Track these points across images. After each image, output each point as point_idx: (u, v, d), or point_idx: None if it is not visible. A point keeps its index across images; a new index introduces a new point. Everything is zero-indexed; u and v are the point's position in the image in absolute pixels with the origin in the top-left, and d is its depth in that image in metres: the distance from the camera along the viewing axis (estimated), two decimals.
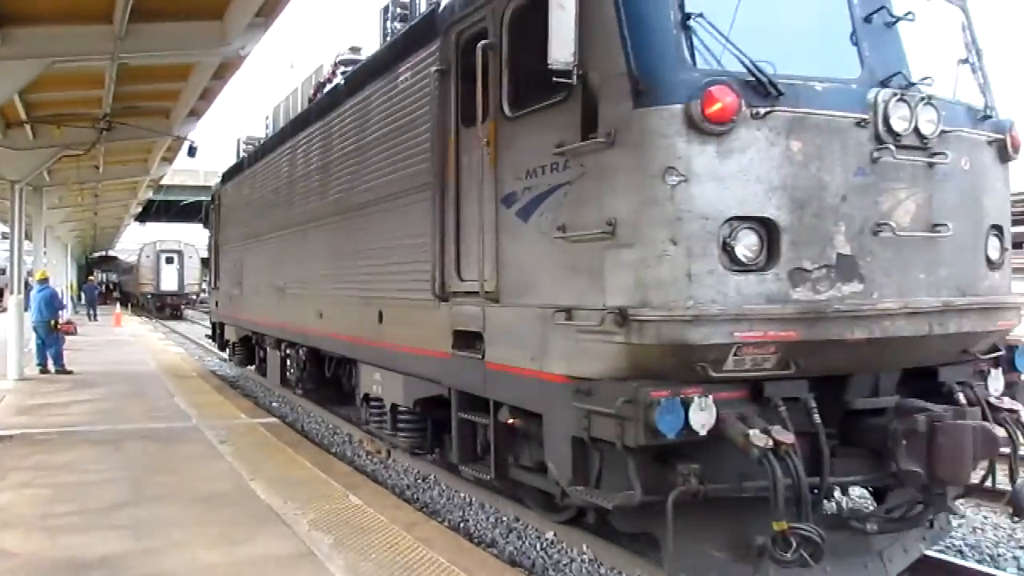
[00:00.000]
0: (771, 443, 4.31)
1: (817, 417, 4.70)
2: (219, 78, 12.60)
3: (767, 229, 4.61)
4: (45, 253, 25.55)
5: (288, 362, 12.32)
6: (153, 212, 48.16)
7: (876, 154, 4.75)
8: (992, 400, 5.25)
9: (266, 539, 5.62)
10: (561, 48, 4.66)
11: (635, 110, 4.64)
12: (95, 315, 35.70)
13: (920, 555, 5.51)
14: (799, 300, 4.61)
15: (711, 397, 4.42)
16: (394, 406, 7.92)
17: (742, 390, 4.65)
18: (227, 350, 17.75)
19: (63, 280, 30.90)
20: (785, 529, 4.31)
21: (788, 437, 4.38)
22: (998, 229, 5.46)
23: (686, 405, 4.36)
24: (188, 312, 47.22)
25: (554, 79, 4.78)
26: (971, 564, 5.97)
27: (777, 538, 4.34)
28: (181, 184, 43.49)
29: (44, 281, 15.82)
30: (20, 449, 8.59)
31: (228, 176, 16.55)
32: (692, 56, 4.69)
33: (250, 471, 7.60)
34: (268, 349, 13.37)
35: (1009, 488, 5.22)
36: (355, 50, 10.46)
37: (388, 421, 8.09)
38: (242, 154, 15.59)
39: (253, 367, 15.68)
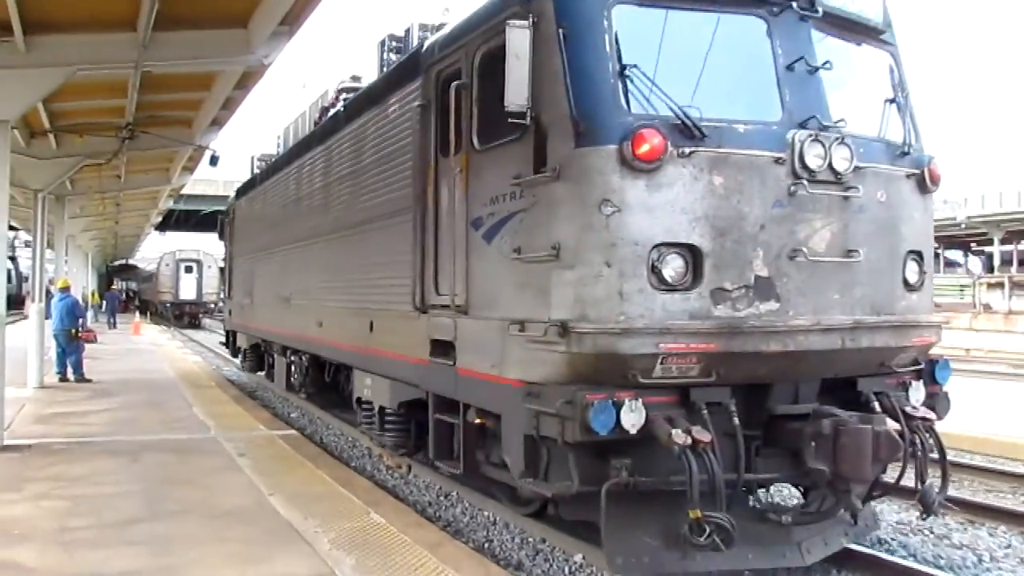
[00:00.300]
0: (690, 441, 4.91)
1: (736, 420, 5.25)
2: (242, 88, 12.56)
3: (692, 254, 5.21)
4: (66, 262, 25.65)
5: (292, 368, 13.23)
6: (173, 222, 48.47)
7: (793, 188, 5.35)
8: (907, 409, 5.81)
9: (286, 558, 5.47)
10: (516, 93, 5.30)
11: (576, 149, 5.26)
12: (115, 323, 35.88)
13: (841, 547, 6.07)
14: (719, 316, 5.20)
15: (641, 400, 5.02)
16: (382, 408, 8.51)
17: (671, 395, 5.23)
18: (239, 357, 18.69)
19: (84, 288, 31.02)
20: (699, 517, 4.90)
21: (706, 436, 4.96)
22: (917, 255, 6.07)
23: (618, 407, 4.96)
24: (206, 321, 47.39)
25: (510, 120, 5.44)
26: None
27: (693, 525, 4.93)
28: (201, 194, 43.65)
29: (65, 289, 15.81)
30: (38, 459, 8.50)
31: (242, 191, 17.52)
32: (627, 102, 5.32)
33: (269, 485, 7.46)
34: (275, 356, 14.22)
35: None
36: (356, 79, 11.12)
37: (376, 422, 8.70)
38: (255, 170, 16.45)
39: (263, 373, 16.44)
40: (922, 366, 6.22)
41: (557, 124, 5.41)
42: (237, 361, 19.80)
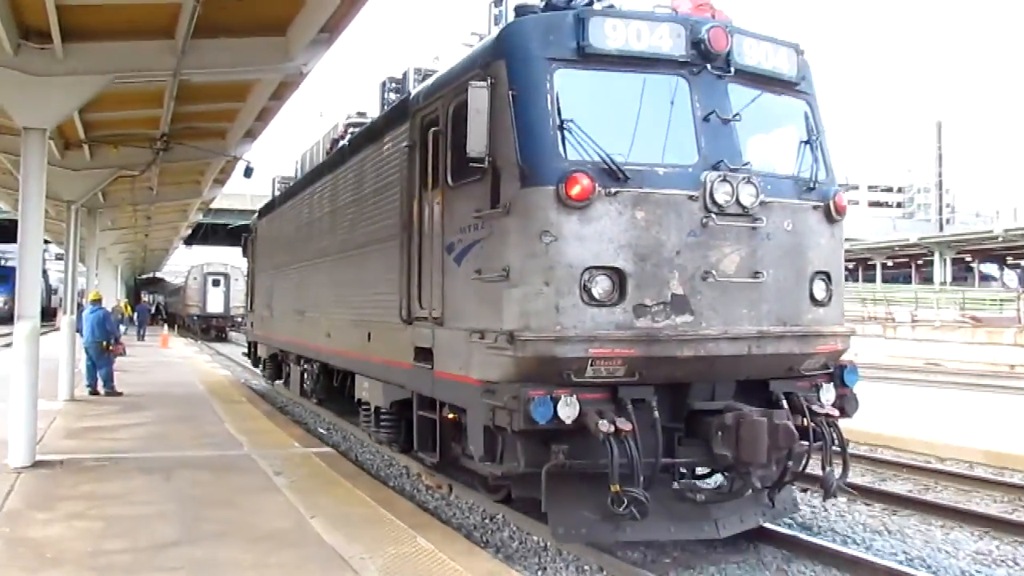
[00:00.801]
0: (613, 429, 5.82)
1: (656, 414, 6.14)
2: (277, 98, 12.39)
3: (617, 275, 6.18)
4: (97, 275, 25.69)
5: (305, 375, 14.64)
6: (200, 235, 48.67)
7: (704, 220, 6.32)
8: (814, 407, 6.75)
9: None
10: (476, 142, 6.30)
11: (522, 189, 6.26)
12: (143, 335, 35.96)
13: (756, 525, 7.03)
14: (640, 327, 6.17)
15: (576, 396, 5.93)
16: (377, 408, 9.78)
17: (602, 392, 6.14)
18: (259, 366, 20.19)
19: (118, 300, 31.07)
20: (618, 491, 5.82)
21: (627, 426, 5.87)
22: (824, 274, 7.04)
23: (555, 401, 5.86)
24: (232, 334, 47.43)
25: (471, 163, 6.42)
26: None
27: (614, 498, 5.84)
28: (229, 208, 43.85)
29: (97, 302, 15.69)
30: (70, 477, 8.27)
31: (263, 212, 19.05)
32: (564, 150, 6.25)
33: (309, 507, 7.17)
34: (291, 364, 15.73)
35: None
36: (361, 114, 12.13)
37: (373, 420, 10.00)
38: (276, 192, 17.77)
39: (280, 381, 17.72)
40: (831, 370, 7.20)
41: (507, 168, 6.41)
42: (258, 370, 21.06)
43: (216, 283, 46.95)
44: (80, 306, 17.94)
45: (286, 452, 9.99)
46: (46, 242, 41.96)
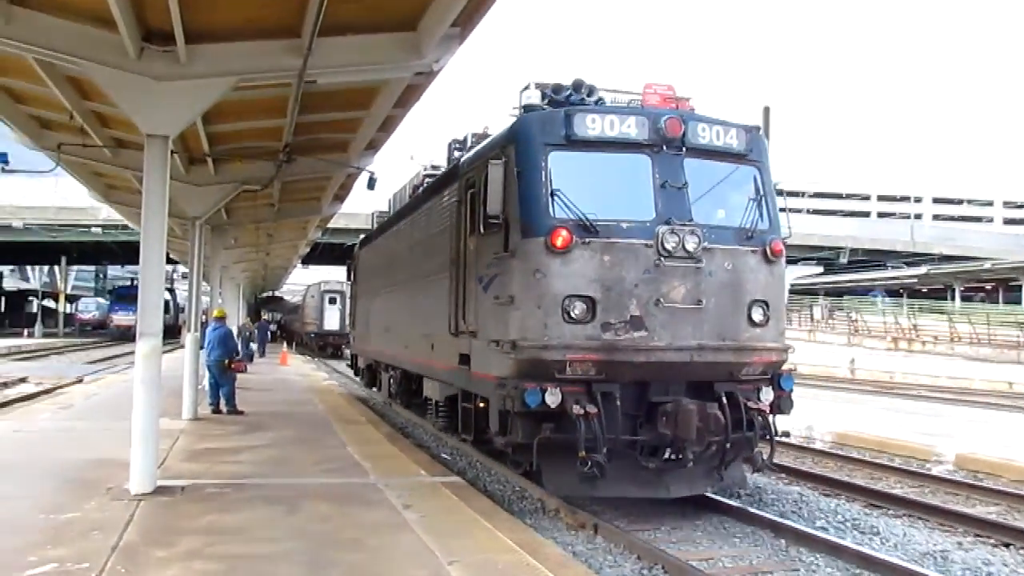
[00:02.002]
0: (583, 412, 7.96)
1: (619, 403, 8.30)
2: (401, 106, 11.78)
3: (590, 301, 8.30)
4: (220, 293, 26.06)
5: (391, 381, 17.48)
6: (317, 254, 49.43)
7: (657, 262, 8.40)
8: (749, 403, 8.68)
9: None
10: (494, 204, 8.56)
11: (522, 239, 8.49)
12: (264, 352, 36.58)
13: (701, 493, 9.25)
14: (605, 339, 8.28)
15: (559, 388, 8.09)
16: (436, 402, 12.77)
17: (579, 387, 8.23)
18: (360, 375, 23.30)
19: (246, 320, 31.56)
20: (583, 456, 7.90)
21: (593, 410, 8.00)
22: (763, 302, 8.93)
23: (543, 391, 8.05)
24: (348, 351, 47.80)
25: (489, 220, 8.79)
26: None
27: (581, 460, 7.92)
28: (344, 227, 44.17)
29: (220, 319, 15.52)
30: (190, 505, 7.72)
31: (363, 243, 22.53)
32: (552, 211, 8.42)
33: (446, 550, 6.34)
34: (382, 372, 18.73)
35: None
36: (435, 167, 14.76)
37: (434, 412, 13.19)
38: (374, 224, 21.23)
39: (376, 388, 20.64)
40: (769, 376, 9.14)
41: (514, 223, 8.68)
42: (359, 379, 24.08)
43: (332, 301, 47.45)
44: (204, 324, 17.95)
45: (413, 481, 9.25)
46: (173, 261, 43.54)
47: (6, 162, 16.22)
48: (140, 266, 7.91)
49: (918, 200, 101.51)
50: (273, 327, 59.97)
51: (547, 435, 8.19)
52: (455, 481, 9.40)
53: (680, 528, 8.85)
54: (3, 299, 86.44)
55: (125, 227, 36.98)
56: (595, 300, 8.33)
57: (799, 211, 76.98)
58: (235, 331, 16.09)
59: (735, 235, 8.94)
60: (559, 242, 8.27)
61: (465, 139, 12.21)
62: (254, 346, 28.30)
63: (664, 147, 8.82)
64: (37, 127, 12.83)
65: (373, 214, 21.71)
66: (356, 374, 24.05)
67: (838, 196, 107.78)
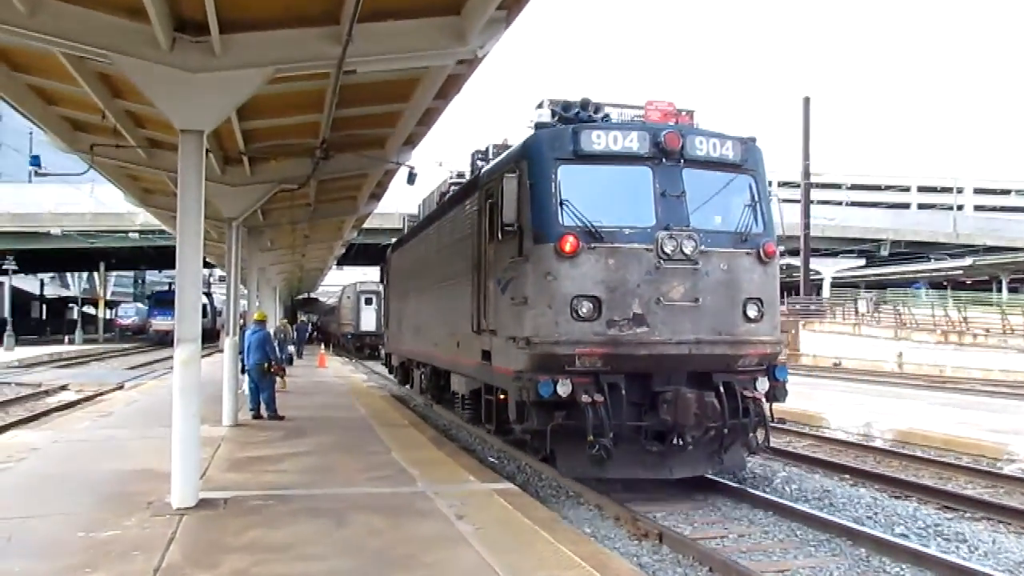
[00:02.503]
0: (590, 400, 8.82)
1: (624, 392, 9.09)
2: (442, 97, 11.35)
3: (596, 301, 9.15)
4: (258, 296, 25.85)
5: (422, 377, 18.65)
6: (352, 255, 49.24)
7: (657, 264, 9.26)
8: (745, 392, 9.47)
9: None
10: (508, 213, 9.53)
11: (535, 245, 9.36)
12: (301, 354, 36.46)
13: (704, 474, 9.99)
14: (611, 334, 9.13)
15: (569, 379, 8.90)
16: (462, 396, 13.88)
17: (588, 378, 9.02)
18: (393, 373, 24.83)
19: (284, 323, 31.35)
20: (591, 440, 8.75)
21: (600, 399, 8.83)
22: (757, 299, 9.73)
23: (555, 382, 8.88)
24: (383, 351, 47.53)
25: (503, 230, 9.70)
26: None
27: (590, 444, 8.75)
28: (378, 227, 43.86)
29: (260, 323, 15.20)
30: (235, 520, 7.33)
31: (394, 247, 23.62)
32: (562, 219, 9.26)
33: (507, 568, 5.87)
34: (414, 370, 19.92)
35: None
36: (460, 175, 15.76)
37: (460, 405, 14.33)
38: (405, 228, 22.37)
39: (408, 386, 21.70)
40: (764, 367, 9.85)
41: (527, 231, 9.47)
42: (393, 377, 25.65)
43: (369, 302, 47.17)
44: (242, 327, 17.65)
45: (464, 489, 8.79)
46: (210, 265, 43.50)
47: (39, 165, 15.92)
48: (176, 268, 7.52)
49: (959, 191, 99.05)
50: (309, 329, 59.85)
51: (559, 422, 9.06)
52: (508, 488, 8.93)
53: (748, 536, 8.34)
54: (44, 306, 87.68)
55: (162, 232, 36.99)
56: (601, 300, 9.21)
57: (838, 203, 75.70)
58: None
59: (730, 238, 9.75)
60: (567, 248, 9.15)
61: (487, 150, 13.06)
62: (291, 349, 28.06)
63: (663, 159, 9.66)
64: (70, 129, 12.58)
65: (404, 216, 22.87)
66: (390, 372, 25.76)
67: (877, 188, 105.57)
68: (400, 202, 32.29)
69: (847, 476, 11.62)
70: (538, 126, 10.33)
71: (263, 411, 14.62)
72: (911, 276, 62.84)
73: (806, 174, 48.41)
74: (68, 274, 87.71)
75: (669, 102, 10.72)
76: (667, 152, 9.61)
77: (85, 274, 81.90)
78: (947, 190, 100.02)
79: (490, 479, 9.49)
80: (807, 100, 49.26)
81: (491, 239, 10.68)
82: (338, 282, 70.38)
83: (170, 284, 78.89)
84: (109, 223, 52.48)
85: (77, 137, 12.67)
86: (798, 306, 49.30)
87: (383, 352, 28.18)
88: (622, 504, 9.15)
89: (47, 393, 22.94)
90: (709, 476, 10.23)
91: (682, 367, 9.38)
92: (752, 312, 9.70)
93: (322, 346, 45.68)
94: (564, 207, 9.32)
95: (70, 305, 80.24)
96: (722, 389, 9.33)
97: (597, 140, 9.57)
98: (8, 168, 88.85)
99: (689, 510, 9.39)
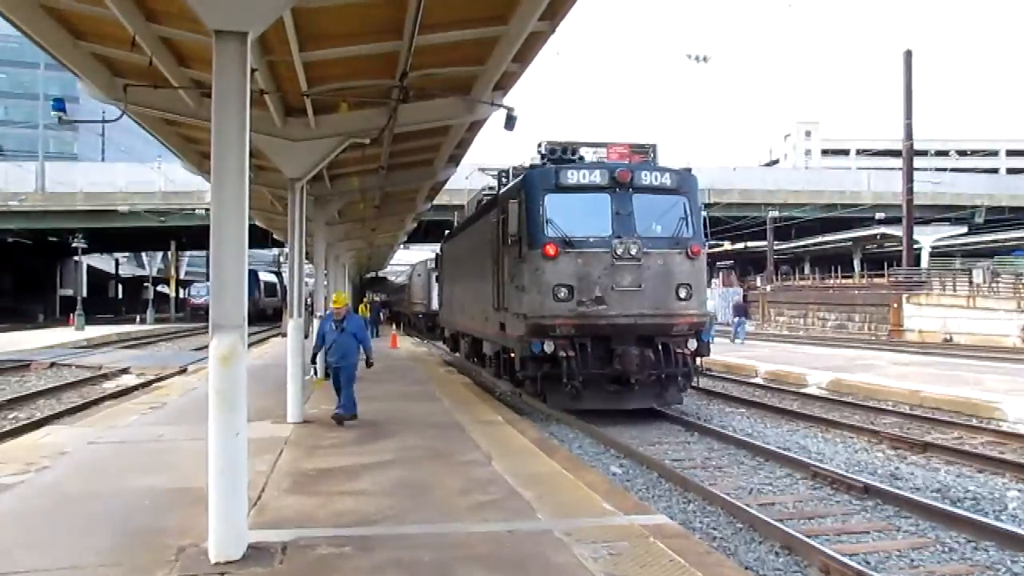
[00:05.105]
0: (566, 355, 13.18)
1: (590, 350, 13.33)
2: (548, 18, 9.01)
3: (570, 288, 13.47)
4: (326, 273, 23.93)
5: (465, 346, 23.55)
6: (422, 232, 47.14)
7: (613, 263, 13.53)
8: (677, 350, 13.69)
9: None
10: (512, 227, 14.08)
11: (529, 250, 13.80)
12: (377, 332, 35.24)
13: (649, 406, 14.19)
14: (579, 311, 13.41)
15: (553, 341, 13.29)
16: (489, 357, 18.74)
17: (565, 340, 13.31)
18: (446, 343, 30.78)
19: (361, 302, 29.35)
20: (566, 382, 13.18)
21: (572, 354, 13.18)
22: (687, 284, 13.93)
23: (543, 343, 13.29)
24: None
25: (510, 238, 14.29)
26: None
27: (566, 384, 13.21)
28: (447, 204, 41.53)
29: (343, 308, 12.05)
30: None
31: (445, 240, 29.04)
32: (546, 232, 13.66)
33: None
34: (460, 340, 24.65)
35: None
36: (491, 188, 19.31)
37: (488, 365, 19.30)
38: (456, 222, 27.74)
39: (458, 353, 26.21)
40: (694, 332, 14.07)
41: (524, 240, 13.91)
42: (445, 346, 31.59)
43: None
44: (310, 308, 15.60)
45: (605, 525, 6.47)
46: (278, 244, 42.01)
47: (63, 110, 14.17)
48: (211, 225, 5.32)
49: None
50: (383, 308, 58.24)
51: (546, 370, 13.53)
52: (662, 525, 6.56)
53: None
54: (120, 285, 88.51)
55: None
56: (573, 287, 13.49)
57: (923, 170, 70.85)
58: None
59: (667, 242, 13.97)
60: (551, 252, 13.50)
61: (508, 171, 17.04)
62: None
63: (618, 188, 13.93)
64: (108, 75, 10.59)
65: (455, 212, 29.29)
66: (443, 343, 32.31)
67: (963, 153, 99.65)
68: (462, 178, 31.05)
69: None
70: (532, 166, 15.39)
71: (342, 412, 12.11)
72: (1013, 244, 58.23)
73: (908, 134, 44.44)
74: (144, 254, 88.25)
75: (626, 144, 15.31)
76: (620, 184, 13.96)
77: (160, 254, 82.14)
78: None
79: (633, 508, 7.14)
80: (908, 53, 45.17)
81: (504, 243, 15.09)
82: (404, 261, 68.74)
83: None
84: (179, 201, 51.79)
85: (113, 83, 10.66)
86: (901, 277, 45.55)
87: (439, 327, 33.38)
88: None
89: (105, 377, 21.45)
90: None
91: (631, 333, 13.62)
92: (683, 293, 13.92)
93: (393, 326, 43.88)
94: (549, 224, 13.74)
95: (145, 285, 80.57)
96: (660, 348, 13.65)
97: (572, 176, 14.05)
98: (84, 151, 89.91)
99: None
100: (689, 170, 14.76)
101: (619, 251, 13.40)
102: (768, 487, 9.55)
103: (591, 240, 13.53)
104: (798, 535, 7.26)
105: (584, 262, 13.42)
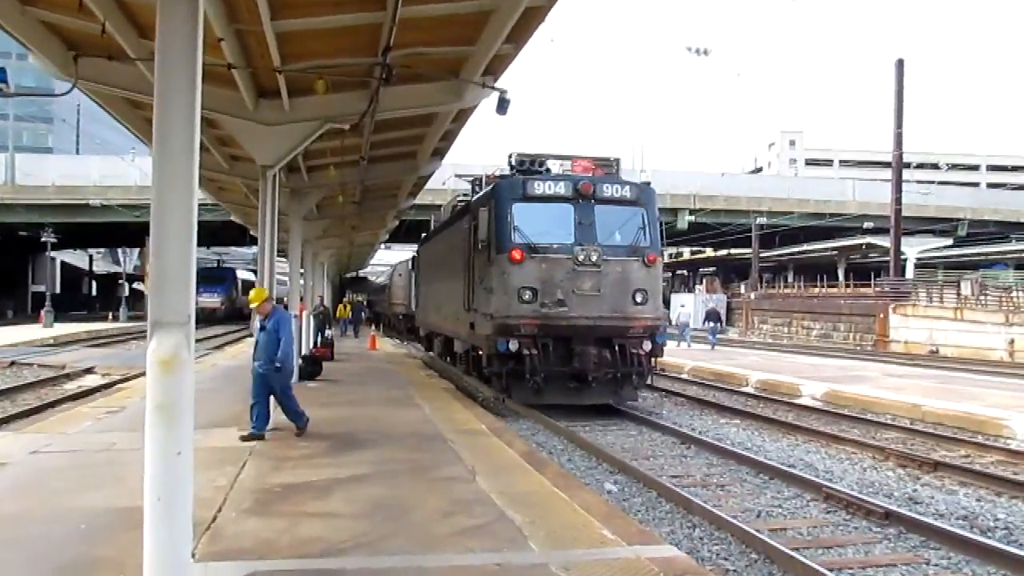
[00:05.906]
0: (529, 353, 14.10)
1: (552, 348, 14.27)
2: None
3: (535, 290, 14.37)
4: (303, 272, 22.96)
5: (438, 344, 24.28)
6: (403, 232, 46.11)
7: (574, 268, 14.46)
8: (633, 349, 14.55)
9: None
10: (482, 233, 15.24)
11: (496, 255, 14.72)
12: (356, 332, 36.78)
13: (605, 402, 15.13)
14: (543, 312, 14.33)
15: (518, 340, 14.19)
16: (459, 355, 19.81)
17: (529, 339, 14.24)
18: (420, 342, 31.43)
19: (318, 300, 28.28)
20: (528, 378, 14.10)
21: (535, 352, 14.10)
22: (643, 290, 14.83)
23: (507, 341, 14.21)
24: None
25: (480, 243, 15.38)
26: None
27: (528, 381, 14.13)
28: (429, 203, 40.52)
29: (268, 302, 10.92)
30: None
31: (421, 243, 30.88)
32: (513, 238, 14.55)
33: None
34: (434, 339, 25.43)
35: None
36: (466, 195, 20.52)
37: (458, 362, 20.37)
38: (432, 224, 28.14)
39: (432, 352, 26.78)
40: (649, 335, 14.85)
41: (493, 245, 14.76)
42: (420, 346, 31.98)
43: None
44: (285, 306, 14.66)
45: (606, 559, 5.65)
46: (254, 240, 41.18)
47: (5, 81, 12.74)
48: (152, 205, 4.44)
49: None
50: (365, 309, 57.19)
51: (511, 366, 14.36)
52: (672, 559, 5.76)
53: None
54: (93, 282, 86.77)
55: (206, 205, 34.44)
56: (537, 290, 14.33)
57: (909, 181, 70.73)
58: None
59: (625, 250, 14.87)
60: (517, 256, 14.33)
61: (480, 179, 18.14)
62: (330, 333, 25.01)
63: (580, 200, 14.77)
64: (61, 47, 9.67)
65: (433, 216, 29.23)
66: (418, 341, 32.97)
67: (936, 167, 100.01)
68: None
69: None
70: (501, 176, 16.14)
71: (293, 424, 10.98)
72: (994, 257, 58.16)
73: (898, 143, 44.02)
74: (120, 251, 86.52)
75: (590, 158, 16.05)
76: (583, 195, 14.74)
77: (136, 251, 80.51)
78: (1019, 169, 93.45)
79: (636, 537, 6.32)
80: (900, 63, 44.79)
81: (475, 249, 15.83)
82: (385, 262, 67.68)
83: (218, 260, 77.14)
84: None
85: (68, 57, 9.74)
86: (887, 288, 45.11)
87: (415, 326, 34.04)
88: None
89: (68, 377, 20.42)
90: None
91: (590, 334, 14.47)
92: (639, 298, 14.73)
93: (372, 326, 42.93)
94: (516, 231, 14.51)
95: (120, 282, 78.98)
96: (617, 348, 14.44)
97: (538, 187, 14.79)
98: (58, 144, 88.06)
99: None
100: (648, 183, 16.42)
101: (580, 257, 14.33)
102: (778, 509, 8.78)
103: (555, 247, 14.47)
104: (822, 570, 6.47)
105: (548, 267, 14.34)
